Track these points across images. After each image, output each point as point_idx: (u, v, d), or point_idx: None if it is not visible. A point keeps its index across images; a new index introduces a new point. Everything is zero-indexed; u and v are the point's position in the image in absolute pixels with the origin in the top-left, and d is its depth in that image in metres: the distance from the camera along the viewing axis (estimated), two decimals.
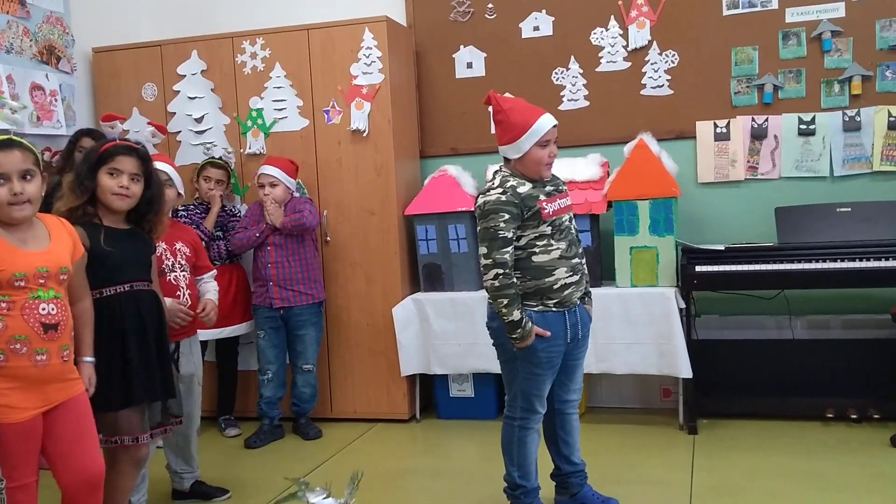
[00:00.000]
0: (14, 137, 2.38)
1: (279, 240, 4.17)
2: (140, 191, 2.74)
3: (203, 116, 4.58)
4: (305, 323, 4.23)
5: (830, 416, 3.91)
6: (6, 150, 2.28)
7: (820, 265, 3.80)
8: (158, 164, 4.00)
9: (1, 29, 4.10)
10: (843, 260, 3.78)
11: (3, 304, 2.25)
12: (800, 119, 4.27)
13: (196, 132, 4.58)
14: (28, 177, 2.31)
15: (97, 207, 2.72)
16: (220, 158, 4.46)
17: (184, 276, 3.29)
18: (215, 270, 3.51)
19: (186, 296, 3.27)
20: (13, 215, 2.29)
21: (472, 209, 4.21)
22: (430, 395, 4.58)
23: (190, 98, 4.59)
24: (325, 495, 2.30)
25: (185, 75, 4.59)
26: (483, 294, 4.17)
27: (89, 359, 2.52)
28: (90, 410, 2.48)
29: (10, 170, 2.27)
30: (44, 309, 2.30)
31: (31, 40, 4.29)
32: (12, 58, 4.15)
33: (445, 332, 4.25)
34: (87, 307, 2.54)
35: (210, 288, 3.42)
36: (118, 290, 2.66)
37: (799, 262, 3.83)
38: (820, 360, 4.12)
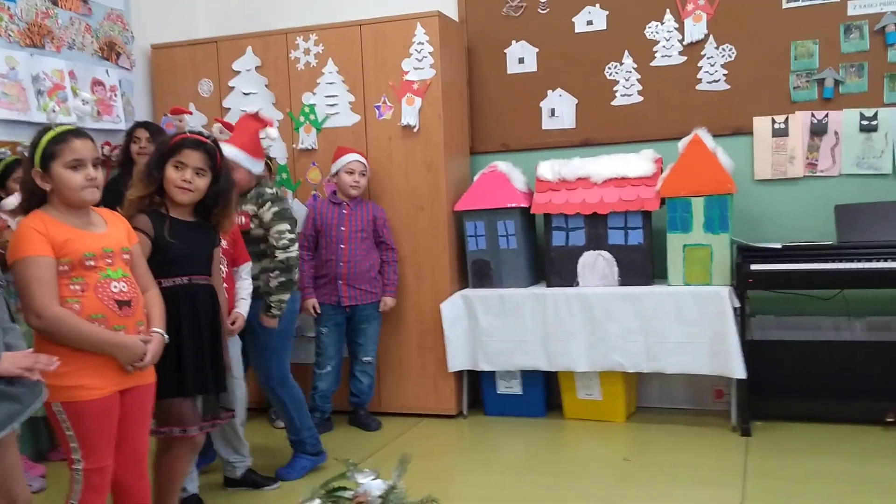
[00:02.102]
0: (81, 128, 2.48)
1: (354, 237, 4.17)
2: (205, 185, 2.76)
3: (257, 112, 4.62)
4: (369, 317, 4.29)
5: (890, 420, 3.80)
6: (83, 138, 2.40)
7: (881, 265, 3.69)
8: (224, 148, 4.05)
9: (64, 26, 4.21)
10: None
11: (77, 287, 2.33)
12: (861, 115, 4.15)
13: None
14: (97, 165, 2.41)
15: (164, 198, 2.76)
16: None
17: (222, 269, 3.29)
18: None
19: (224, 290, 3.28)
20: (85, 198, 2.38)
21: (522, 205, 4.25)
22: (477, 392, 4.57)
23: (244, 94, 4.65)
24: (373, 476, 2.30)
25: (239, 71, 4.66)
26: (531, 291, 4.22)
27: (157, 329, 2.51)
28: (153, 399, 2.55)
29: (87, 156, 2.37)
30: (115, 287, 2.38)
31: (92, 37, 4.40)
32: (74, 53, 4.26)
33: (493, 328, 4.24)
34: (153, 294, 2.57)
35: (244, 288, 3.35)
36: (176, 283, 2.70)
37: (859, 261, 3.73)
38: (880, 363, 4.01)
